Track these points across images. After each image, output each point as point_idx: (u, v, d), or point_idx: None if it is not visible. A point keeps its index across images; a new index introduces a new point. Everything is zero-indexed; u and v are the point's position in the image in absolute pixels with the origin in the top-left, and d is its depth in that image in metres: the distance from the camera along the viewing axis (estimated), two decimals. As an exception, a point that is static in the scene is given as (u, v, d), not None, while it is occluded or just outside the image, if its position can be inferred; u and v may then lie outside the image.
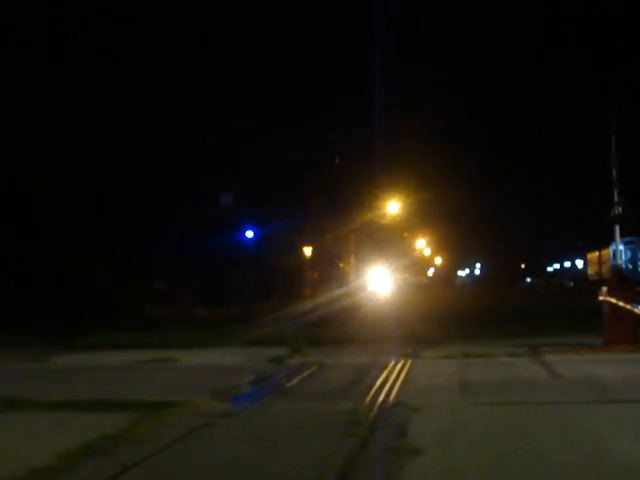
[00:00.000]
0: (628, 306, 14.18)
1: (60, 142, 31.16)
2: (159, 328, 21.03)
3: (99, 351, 16.33)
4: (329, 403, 9.19)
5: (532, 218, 76.68)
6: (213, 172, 36.86)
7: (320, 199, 38.81)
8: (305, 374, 11.94)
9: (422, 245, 62.90)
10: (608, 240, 37.85)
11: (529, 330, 17.96)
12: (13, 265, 27.64)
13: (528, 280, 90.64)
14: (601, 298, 14.78)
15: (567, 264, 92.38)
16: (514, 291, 61.69)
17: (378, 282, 41.80)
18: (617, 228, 15.91)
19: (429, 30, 50.72)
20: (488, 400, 8.98)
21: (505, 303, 35.22)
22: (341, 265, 43.64)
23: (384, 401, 9.08)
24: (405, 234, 54.09)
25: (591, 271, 71.89)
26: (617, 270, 16.68)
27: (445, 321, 21.79)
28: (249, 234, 32.80)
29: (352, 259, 36.97)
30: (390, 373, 11.48)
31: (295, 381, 11.26)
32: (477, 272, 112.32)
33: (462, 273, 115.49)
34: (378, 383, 10.46)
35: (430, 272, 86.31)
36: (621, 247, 18.44)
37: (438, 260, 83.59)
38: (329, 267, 42.76)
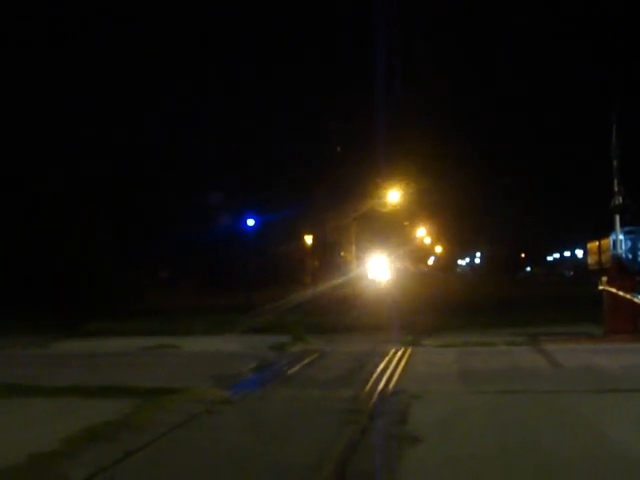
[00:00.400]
0: (628, 296, 14.19)
1: (60, 142, 31.16)
2: (161, 315, 21.11)
3: (102, 338, 16.42)
4: (330, 390, 9.24)
5: (532, 208, 76.58)
6: (213, 166, 36.92)
7: (321, 188, 38.76)
8: (306, 361, 12.00)
9: (423, 234, 62.75)
10: (608, 230, 37.95)
11: (529, 319, 18.00)
12: (17, 254, 27.71)
13: (528, 269, 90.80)
14: (601, 287, 14.82)
15: (567, 254, 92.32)
16: (514, 280, 61.67)
17: (379, 271, 41.82)
18: (617, 218, 15.92)
19: (432, 19, 50.56)
20: (488, 388, 9.03)
21: (505, 292, 35.28)
22: (342, 254, 43.65)
23: (384, 389, 9.13)
24: (406, 223, 53.96)
25: (591, 260, 71.98)
26: (617, 260, 16.72)
27: (445, 309, 21.88)
28: (250, 222, 32.72)
29: (353, 248, 36.93)
30: (390, 361, 11.52)
31: (296, 368, 11.31)
32: (477, 261, 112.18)
33: (462, 262, 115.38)
34: (378, 371, 10.50)
35: (430, 261, 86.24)
36: (621, 237, 18.48)
37: (438, 249, 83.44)
38: (330, 255, 42.76)
